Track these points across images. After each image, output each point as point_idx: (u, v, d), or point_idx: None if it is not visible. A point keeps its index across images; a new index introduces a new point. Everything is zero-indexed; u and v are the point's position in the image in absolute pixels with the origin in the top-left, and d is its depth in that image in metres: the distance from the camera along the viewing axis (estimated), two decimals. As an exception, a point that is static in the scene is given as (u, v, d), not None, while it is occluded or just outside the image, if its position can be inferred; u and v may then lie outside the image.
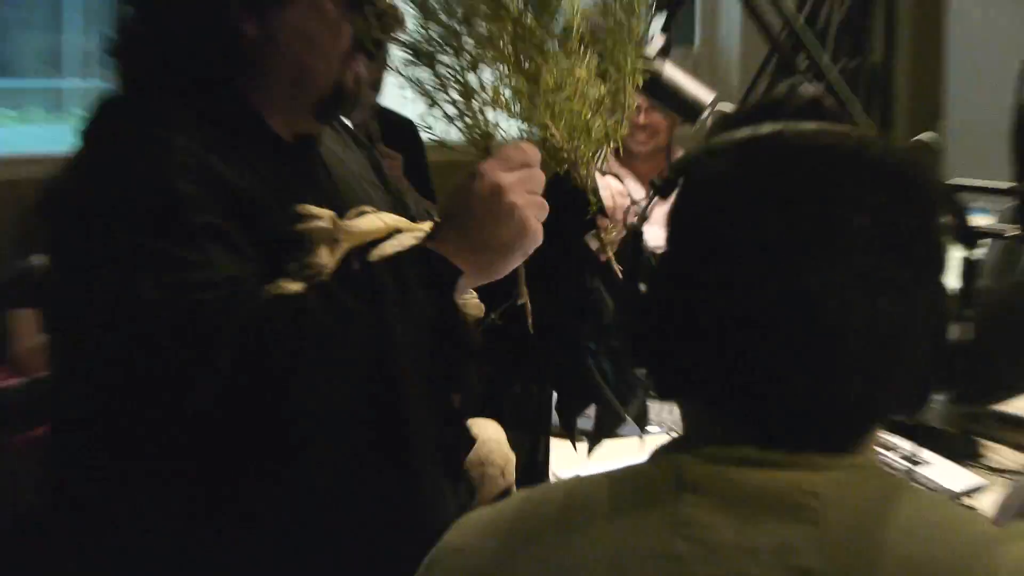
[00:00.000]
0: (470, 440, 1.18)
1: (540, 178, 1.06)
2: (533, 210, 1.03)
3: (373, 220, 1.09)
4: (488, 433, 1.29)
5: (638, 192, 2.68)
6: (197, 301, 0.97)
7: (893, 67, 1.63)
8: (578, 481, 0.80)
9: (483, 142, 1.10)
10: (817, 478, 0.66)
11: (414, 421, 1.06)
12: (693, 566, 0.64)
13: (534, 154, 1.06)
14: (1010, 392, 1.14)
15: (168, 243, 0.98)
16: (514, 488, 1.28)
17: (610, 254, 1.17)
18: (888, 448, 1.42)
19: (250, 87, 1.12)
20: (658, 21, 1.29)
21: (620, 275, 1.16)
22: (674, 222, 0.72)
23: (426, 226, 1.10)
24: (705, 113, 1.41)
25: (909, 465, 1.39)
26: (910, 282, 0.67)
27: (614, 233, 1.20)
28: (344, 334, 0.99)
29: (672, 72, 1.33)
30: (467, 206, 1.04)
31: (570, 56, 1.10)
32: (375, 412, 1.04)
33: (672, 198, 0.75)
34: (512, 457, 1.30)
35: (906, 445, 1.41)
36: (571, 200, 1.16)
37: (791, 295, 0.66)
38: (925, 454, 1.41)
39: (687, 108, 1.42)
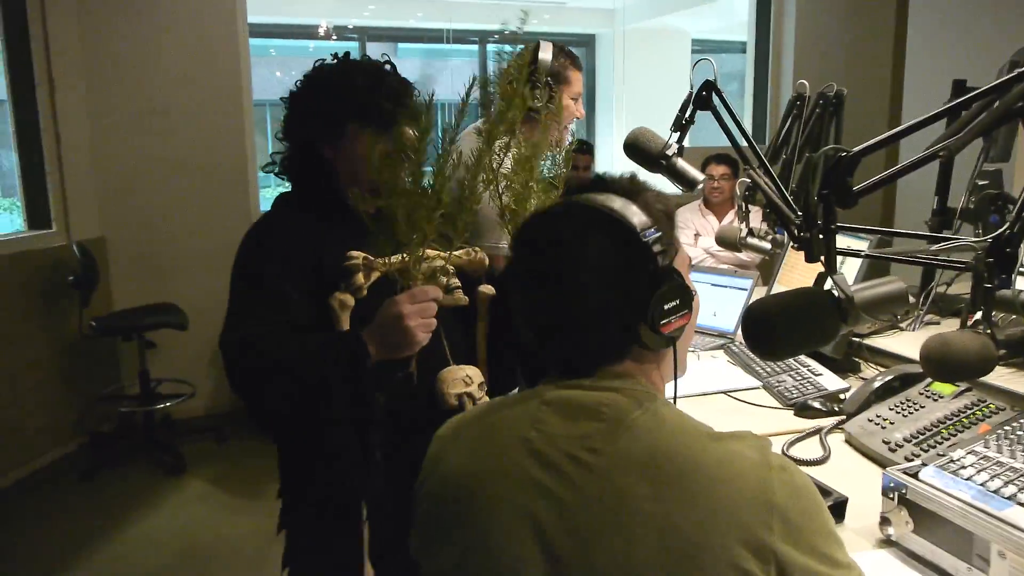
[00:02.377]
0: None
1: (433, 308, 1.32)
2: (421, 328, 1.30)
3: (398, 257, 1.35)
4: (471, 369, 1.42)
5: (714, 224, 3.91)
6: (257, 333, 1.33)
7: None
8: (503, 398, 0.98)
9: (403, 281, 1.32)
10: (604, 396, 0.82)
11: (339, 388, 1.32)
12: (536, 444, 0.81)
13: (435, 293, 1.33)
14: (789, 353, 1.27)
15: (252, 303, 1.36)
16: (486, 398, 1.45)
17: None
18: (804, 366, 1.90)
19: (336, 179, 1.47)
20: (675, 136, 1.72)
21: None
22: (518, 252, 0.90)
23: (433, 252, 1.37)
24: (700, 185, 1.83)
25: (811, 374, 1.84)
26: (632, 293, 0.82)
27: None
28: (315, 365, 1.31)
29: (682, 163, 1.79)
30: (380, 319, 1.32)
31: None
32: (331, 387, 1.33)
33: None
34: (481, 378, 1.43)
35: (812, 363, 1.90)
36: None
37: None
38: (821, 368, 1.89)
39: (688, 182, 1.82)
